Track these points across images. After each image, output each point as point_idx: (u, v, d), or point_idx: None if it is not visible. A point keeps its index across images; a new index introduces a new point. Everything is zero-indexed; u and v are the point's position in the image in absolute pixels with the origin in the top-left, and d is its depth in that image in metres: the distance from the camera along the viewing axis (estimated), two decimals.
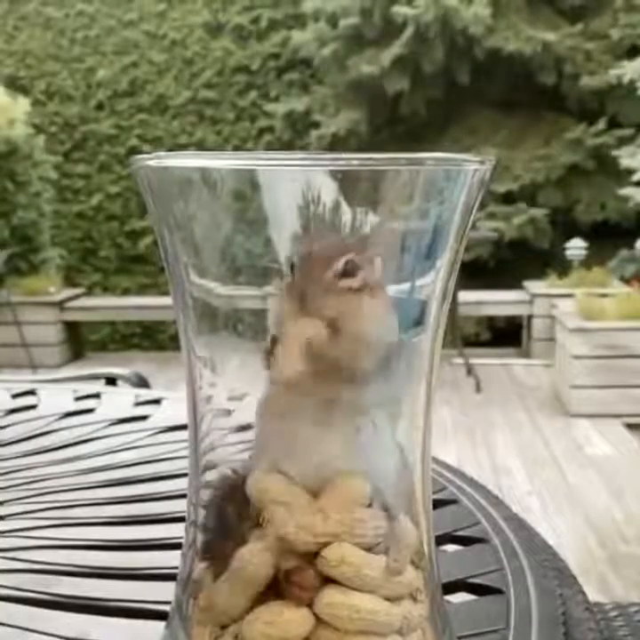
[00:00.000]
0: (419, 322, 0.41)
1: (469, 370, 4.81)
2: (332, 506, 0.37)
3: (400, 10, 6.29)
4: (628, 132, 6.14)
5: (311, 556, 0.37)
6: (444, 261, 0.40)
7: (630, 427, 3.93)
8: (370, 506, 0.38)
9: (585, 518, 2.88)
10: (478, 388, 4.65)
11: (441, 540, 0.59)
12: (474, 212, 0.40)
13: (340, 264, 0.35)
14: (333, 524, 0.37)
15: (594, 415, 4.03)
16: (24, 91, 6.67)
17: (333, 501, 0.37)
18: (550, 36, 6.27)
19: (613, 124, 6.28)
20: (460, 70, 6.50)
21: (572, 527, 2.81)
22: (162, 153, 0.38)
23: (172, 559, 0.46)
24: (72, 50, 7.13)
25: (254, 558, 0.37)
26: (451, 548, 0.60)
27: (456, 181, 0.38)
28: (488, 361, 5.27)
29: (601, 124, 6.25)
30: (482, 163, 0.38)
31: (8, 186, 5.87)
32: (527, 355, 5.52)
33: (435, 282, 0.40)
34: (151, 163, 0.38)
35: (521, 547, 0.59)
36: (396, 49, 6.34)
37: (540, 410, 4.26)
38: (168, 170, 0.38)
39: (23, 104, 5.89)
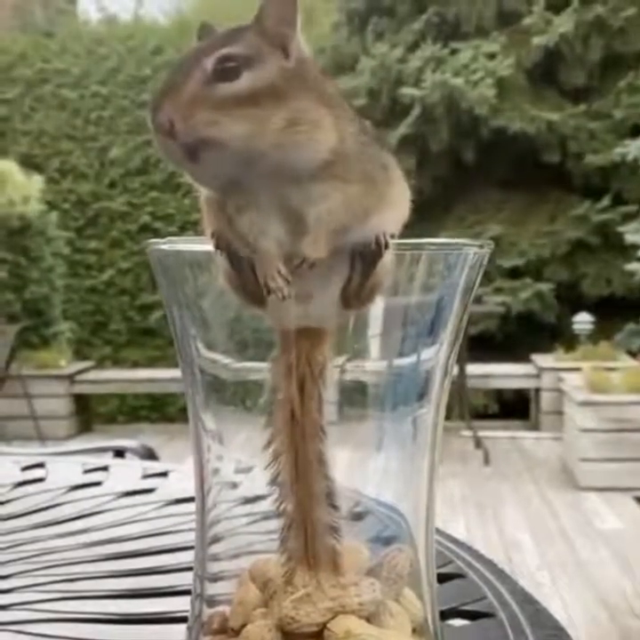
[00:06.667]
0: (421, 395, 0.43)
1: (478, 442, 4.77)
2: (333, 579, 0.38)
3: (407, 91, 6.46)
4: (632, 208, 6.21)
5: (318, 631, 0.37)
6: (446, 337, 0.42)
7: None
8: (369, 577, 0.39)
9: (595, 593, 2.83)
10: (487, 461, 4.61)
11: (447, 614, 0.58)
12: (474, 290, 0.42)
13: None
14: (334, 597, 0.38)
15: (603, 489, 3.98)
16: (38, 169, 6.80)
17: (333, 575, 0.38)
18: (554, 116, 6.40)
19: (618, 200, 6.36)
20: (466, 149, 6.63)
21: (583, 602, 2.76)
22: (174, 237, 0.41)
23: (176, 633, 0.46)
24: (86, 129, 7.30)
25: (261, 636, 0.37)
26: (457, 622, 0.59)
27: (456, 264, 0.41)
28: (496, 433, 5.23)
29: (605, 201, 6.33)
30: (480, 247, 0.41)
31: (21, 261, 5.96)
32: (536, 427, 5.48)
33: (437, 356, 0.42)
34: (164, 247, 0.40)
35: (527, 621, 0.59)
36: (402, 129, 6.49)
37: (550, 483, 4.22)
38: (180, 253, 0.40)
39: (37, 181, 6.01)
